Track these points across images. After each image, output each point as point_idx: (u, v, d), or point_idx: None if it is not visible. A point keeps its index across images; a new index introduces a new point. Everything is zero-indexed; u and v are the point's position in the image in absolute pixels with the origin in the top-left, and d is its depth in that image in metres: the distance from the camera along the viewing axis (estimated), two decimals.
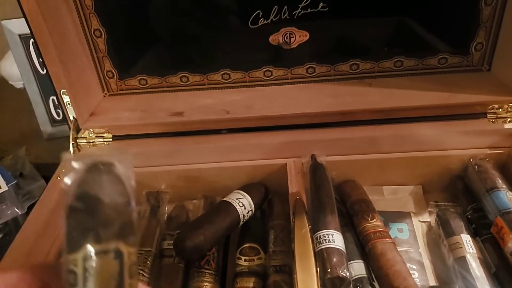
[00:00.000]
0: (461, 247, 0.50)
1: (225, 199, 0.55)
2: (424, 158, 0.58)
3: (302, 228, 0.48)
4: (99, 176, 0.20)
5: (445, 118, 0.58)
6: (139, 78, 0.62)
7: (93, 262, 0.19)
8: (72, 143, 0.59)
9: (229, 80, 0.61)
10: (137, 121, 0.58)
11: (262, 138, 0.58)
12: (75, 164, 0.20)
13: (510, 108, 0.57)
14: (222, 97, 0.60)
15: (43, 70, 0.75)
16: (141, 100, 0.62)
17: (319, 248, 0.47)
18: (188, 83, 0.61)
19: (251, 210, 0.55)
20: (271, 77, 0.61)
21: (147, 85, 0.62)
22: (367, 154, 0.58)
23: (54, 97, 0.77)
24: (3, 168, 0.70)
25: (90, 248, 0.19)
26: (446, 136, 0.57)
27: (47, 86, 0.76)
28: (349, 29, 0.59)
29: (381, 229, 0.51)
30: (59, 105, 0.78)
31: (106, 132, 0.59)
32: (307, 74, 0.61)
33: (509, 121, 0.57)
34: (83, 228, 0.19)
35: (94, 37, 0.58)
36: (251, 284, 0.49)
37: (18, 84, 0.86)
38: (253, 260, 0.51)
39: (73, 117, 0.58)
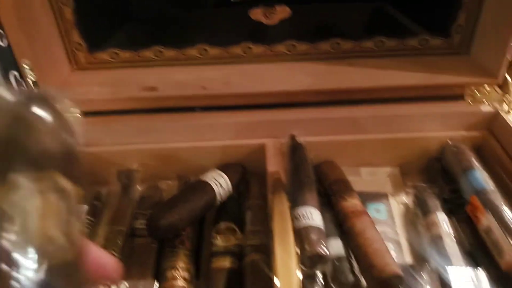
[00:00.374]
0: (437, 226, 0.51)
1: (201, 178, 0.52)
2: (402, 140, 0.58)
3: (280, 206, 0.46)
4: (33, 104, 0.17)
5: (424, 99, 0.58)
6: (110, 51, 0.58)
7: (22, 196, 0.15)
8: None
9: (206, 56, 0.58)
10: (107, 96, 0.55)
11: (240, 116, 0.56)
12: (3, 93, 0.17)
13: (487, 91, 0.58)
14: (198, 73, 0.57)
15: (2, 42, 0.69)
16: (112, 75, 0.58)
17: (298, 226, 0.46)
18: (162, 58, 0.58)
19: (228, 190, 0.53)
20: (251, 54, 0.59)
21: (118, 59, 0.59)
22: (345, 134, 0.58)
23: (16, 72, 0.72)
24: None
25: (19, 179, 0.15)
26: (425, 118, 0.57)
27: (6, 60, 0.70)
28: (331, 7, 0.57)
29: (359, 208, 0.51)
30: (21, 80, 0.74)
31: (74, 108, 0.56)
32: (287, 52, 0.59)
33: (486, 104, 0.57)
34: (9, 156, 0.15)
35: (61, 4, 0.54)
36: (227, 264, 0.47)
37: None
38: (230, 239, 0.50)
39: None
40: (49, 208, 0.16)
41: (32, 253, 0.15)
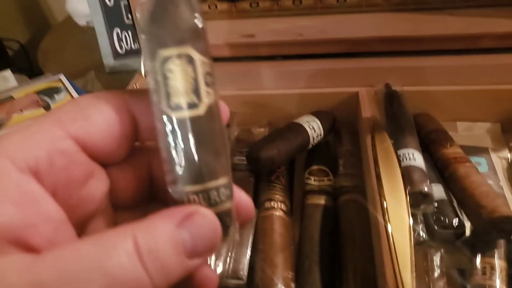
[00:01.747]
0: None
1: (295, 120, 0.53)
2: (505, 92, 0.54)
3: (383, 143, 0.46)
4: None
5: None
6: (208, 3, 0.61)
7: (169, 66, 0.19)
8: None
9: (300, 6, 0.59)
10: None
11: (334, 64, 0.56)
12: None
13: None
14: (294, 23, 0.58)
15: (110, 2, 0.75)
16: (210, 25, 0.61)
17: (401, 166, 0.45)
18: (258, 9, 0.60)
19: (320, 134, 0.53)
20: (345, 4, 0.58)
21: (216, 11, 0.61)
22: (442, 85, 0.56)
23: (119, 30, 0.78)
24: (78, 87, 0.72)
25: (165, 53, 0.20)
26: None
27: (112, 19, 0.76)
28: None
29: (461, 155, 0.49)
30: (123, 38, 0.80)
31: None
32: (383, 2, 0.58)
33: None
34: (156, 37, 0.20)
35: None
36: (322, 201, 0.47)
37: (82, 21, 0.87)
38: (323, 180, 0.50)
39: None
40: (182, 72, 0.20)
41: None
